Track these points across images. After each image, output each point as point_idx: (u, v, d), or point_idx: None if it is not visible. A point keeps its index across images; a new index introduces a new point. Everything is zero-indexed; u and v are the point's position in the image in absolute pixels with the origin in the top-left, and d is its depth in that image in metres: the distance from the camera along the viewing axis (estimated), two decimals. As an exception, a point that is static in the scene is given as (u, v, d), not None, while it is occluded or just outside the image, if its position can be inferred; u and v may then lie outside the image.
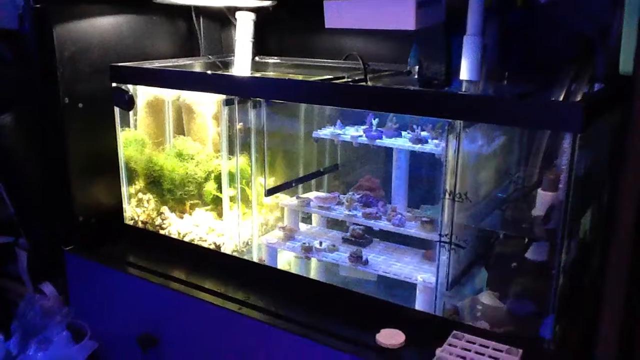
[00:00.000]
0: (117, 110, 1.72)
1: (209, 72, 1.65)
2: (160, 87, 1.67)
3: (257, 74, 1.87)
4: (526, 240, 1.31)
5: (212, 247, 1.64)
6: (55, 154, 1.69)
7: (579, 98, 1.32)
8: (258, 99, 1.48)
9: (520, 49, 1.50)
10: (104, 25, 1.71)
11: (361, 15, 1.33)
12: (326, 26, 1.38)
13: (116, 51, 1.74)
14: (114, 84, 1.69)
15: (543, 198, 1.27)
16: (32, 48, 1.62)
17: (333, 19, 1.37)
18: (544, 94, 1.37)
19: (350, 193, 1.58)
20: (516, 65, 1.51)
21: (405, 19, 1.27)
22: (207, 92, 1.59)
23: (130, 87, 1.69)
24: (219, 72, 1.78)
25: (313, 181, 1.76)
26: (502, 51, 1.47)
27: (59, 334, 1.68)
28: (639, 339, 1.18)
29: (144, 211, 1.77)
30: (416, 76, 1.54)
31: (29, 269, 1.83)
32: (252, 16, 1.78)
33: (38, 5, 1.57)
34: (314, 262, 1.61)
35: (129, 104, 1.69)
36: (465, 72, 1.38)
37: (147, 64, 1.72)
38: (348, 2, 1.33)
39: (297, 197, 1.63)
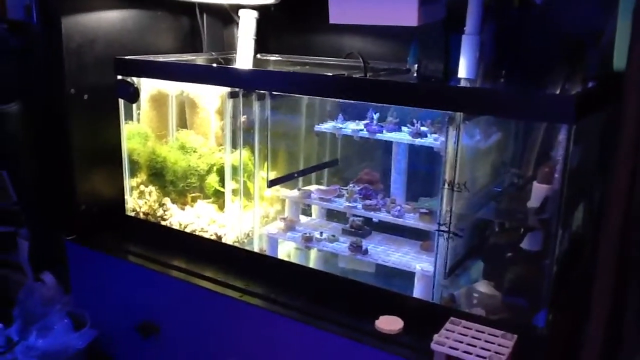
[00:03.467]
0: (121, 102, 1.75)
1: (214, 65, 1.69)
2: (167, 80, 1.70)
3: (260, 70, 1.90)
4: (521, 231, 1.35)
5: (213, 237, 1.67)
6: (59, 144, 1.72)
7: (572, 95, 1.37)
8: (262, 91, 1.52)
9: (516, 49, 1.55)
10: (110, 18, 1.75)
11: (365, 11, 1.38)
12: (330, 21, 1.42)
13: (121, 44, 1.78)
14: (119, 77, 1.72)
15: (538, 190, 1.32)
16: (39, 39, 1.66)
17: (337, 14, 1.41)
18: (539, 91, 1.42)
19: (351, 185, 1.61)
20: (512, 65, 1.55)
21: (408, 15, 1.32)
22: (214, 84, 1.63)
23: (134, 80, 1.73)
24: (225, 66, 1.81)
25: (313, 175, 1.80)
26: (498, 50, 1.52)
27: (59, 322, 1.71)
28: (626, 326, 1.22)
29: (145, 202, 1.79)
30: (415, 74, 1.59)
31: (30, 258, 1.85)
32: (254, 14, 1.82)
33: (47, -3, 1.61)
34: (313, 254, 1.64)
35: (133, 96, 1.73)
36: (463, 70, 1.43)
37: (152, 58, 1.76)
38: (352, -2, 1.38)
39: (299, 189, 1.67)
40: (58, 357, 1.64)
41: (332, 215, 1.70)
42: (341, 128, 1.58)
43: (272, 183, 1.61)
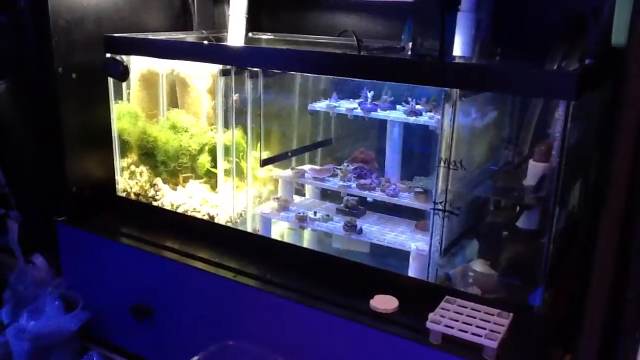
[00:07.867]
0: (111, 81, 1.72)
1: (205, 42, 1.65)
2: (158, 57, 1.67)
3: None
4: (517, 209, 1.34)
5: (205, 218, 1.65)
6: (49, 124, 1.69)
7: (570, 72, 1.35)
8: (255, 69, 1.49)
9: (512, 26, 1.53)
10: (99, -5, 1.71)
11: (360, -14, 1.35)
12: (326, -3, 1.39)
13: (110, 22, 1.74)
14: (108, 54, 1.68)
15: (534, 168, 1.30)
16: (27, 16, 1.61)
17: (333, -10, 1.38)
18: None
19: (345, 164, 1.59)
20: (508, 42, 1.53)
21: (404, -10, 1.29)
22: (205, 61, 1.59)
23: (124, 58, 1.69)
24: (216, 43, 1.78)
25: (306, 155, 1.78)
26: (494, 28, 1.50)
27: (50, 304, 1.68)
28: (625, 308, 1.22)
29: (137, 183, 1.77)
30: (410, 52, 1.57)
31: (20, 240, 1.83)
32: (246, -9, 1.78)
33: (34, -27, 1.56)
34: (307, 235, 1.63)
35: (123, 74, 1.69)
36: (459, 47, 1.41)
37: (141, 36, 1.72)
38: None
39: (292, 169, 1.65)
40: (50, 339, 1.63)
41: (326, 195, 1.68)
42: (335, 107, 1.56)
43: (265, 162, 1.59)
